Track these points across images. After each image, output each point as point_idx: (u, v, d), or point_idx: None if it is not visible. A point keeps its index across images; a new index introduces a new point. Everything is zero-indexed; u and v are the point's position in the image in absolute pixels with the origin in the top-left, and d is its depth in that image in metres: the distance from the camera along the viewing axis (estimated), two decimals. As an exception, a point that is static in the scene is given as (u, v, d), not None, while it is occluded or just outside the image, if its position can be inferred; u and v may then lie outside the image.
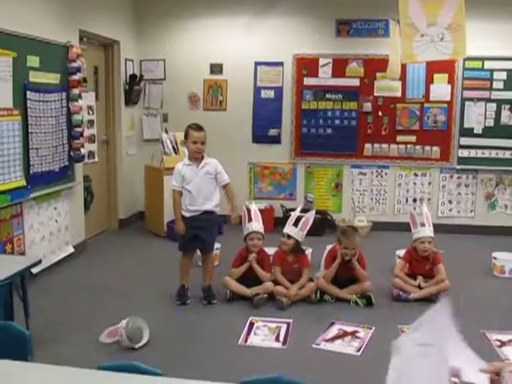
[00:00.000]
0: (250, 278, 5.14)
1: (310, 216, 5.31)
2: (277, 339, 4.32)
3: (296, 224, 5.26)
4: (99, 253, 6.68)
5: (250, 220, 5.27)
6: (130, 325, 4.14)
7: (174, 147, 7.51)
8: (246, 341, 4.27)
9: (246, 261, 5.19)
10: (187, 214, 4.96)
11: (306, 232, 5.28)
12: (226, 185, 5.07)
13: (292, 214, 5.42)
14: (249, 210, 5.33)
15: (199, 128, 5.02)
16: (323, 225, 7.72)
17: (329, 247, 5.51)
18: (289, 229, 5.26)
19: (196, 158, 4.97)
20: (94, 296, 5.17)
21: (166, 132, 7.71)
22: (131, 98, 7.92)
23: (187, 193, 4.94)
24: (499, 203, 7.92)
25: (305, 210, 5.64)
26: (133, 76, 7.86)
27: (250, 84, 8.07)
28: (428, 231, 5.32)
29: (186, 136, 5.00)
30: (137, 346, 4.07)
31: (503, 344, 4.24)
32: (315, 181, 8.17)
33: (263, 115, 8.09)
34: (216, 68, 8.12)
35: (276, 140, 8.14)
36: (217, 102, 8.22)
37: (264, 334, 4.42)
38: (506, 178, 7.86)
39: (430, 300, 5.07)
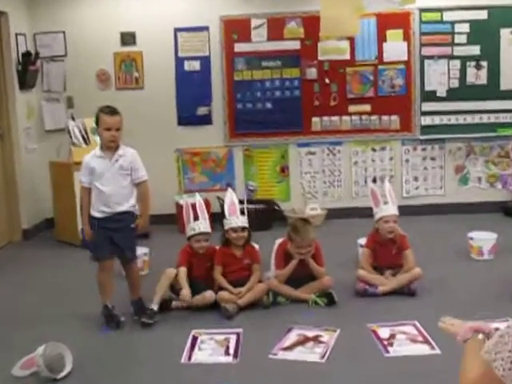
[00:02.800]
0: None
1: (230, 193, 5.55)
2: (226, 352, 4.37)
3: (242, 212, 5.38)
4: (0, 272, 6.58)
5: (195, 218, 5.31)
6: (48, 351, 4.12)
7: (83, 136, 7.45)
8: (189, 358, 4.31)
9: (197, 262, 5.30)
10: (98, 215, 4.90)
11: None
12: (140, 183, 4.97)
13: (226, 204, 5.48)
14: (193, 205, 5.37)
15: (112, 111, 4.95)
16: (270, 217, 7.82)
17: (278, 242, 5.61)
18: (239, 220, 5.33)
19: (110, 147, 4.90)
20: (-1, 324, 5.11)
21: (73, 119, 7.64)
22: (26, 81, 7.80)
23: (98, 191, 4.89)
24: (471, 176, 8.19)
25: (244, 202, 5.71)
26: (26, 54, 7.74)
27: (170, 55, 8.08)
28: (392, 209, 5.48)
29: (98, 122, 4.94)
30: (59, 377, 4.04)
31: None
32: (256, 166, 8.26)
33: (189, 92, 8.12)
34: (128, 38, 8.09)
35: (206, 120, 8.19)
36: (132, 80, 8.19)
37: (211, 348, 4.46)
38: (476, 146, 8.13)
39: (401, 292, 5.24)
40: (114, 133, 4.88)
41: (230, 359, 4.28)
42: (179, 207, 7.47)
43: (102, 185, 4.86)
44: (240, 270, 5.34)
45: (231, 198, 5.44)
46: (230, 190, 5.65)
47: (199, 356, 4.34)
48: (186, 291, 5.08)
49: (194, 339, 4.60)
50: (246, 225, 5.34)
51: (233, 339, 4.58)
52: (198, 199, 5.49)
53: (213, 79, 8.12)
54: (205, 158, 8.24)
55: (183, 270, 5.22)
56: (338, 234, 7.25)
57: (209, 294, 5.16)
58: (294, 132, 8.12)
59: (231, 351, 4.39)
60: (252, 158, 8.24)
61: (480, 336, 2.02)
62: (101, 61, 8.15)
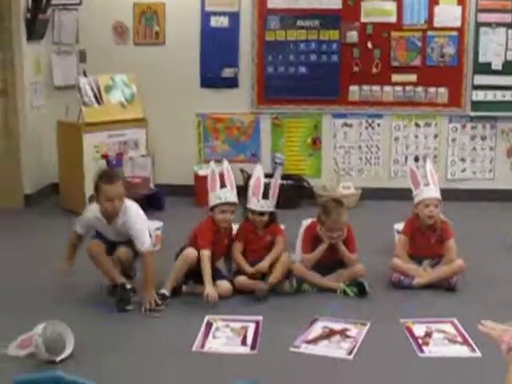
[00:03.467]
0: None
1: (277, 176, 5.46)
2: (243, 342, 4.38)
3: (266, 195, 5.32)
4: (-1, 239, 6.64)
5: (222, 185, 5.26)
6: (49, 331, 4.15)
7: (95, 95, 7.48)
8: (202, 346, 4.32)
9: (219, 237, 5.25)
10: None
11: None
12: (144, 253, 5.03)
13: (251, 181, 5.44)
14: (220, 174, 5.32)
15: (111, 178, 5.03)
16: (298, 194, 7.83)
17: (306, 223, 5.61)
18: (259, 204, 5.30)
19: (110, 217, 5.06)
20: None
21: (85, 75, 7.66)
22: (35, 31, 7.81)
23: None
24: (526, 160, 8.13)
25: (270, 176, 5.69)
26: (37, 0, 7.74)
27: (195, 8, 8.06)
28: (433, 191, 5.44)
29: (97, 190, 5.04)
30: (58, 359, 4.08)
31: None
32: (285, 136, 8.25)
33: (214, 50, 8.10)
34: (150, -13, 8.09)
35: (232, 83, 8.17)
36: (152, 34, 8.18)
37: (226, 336, 4.48)
38: (533, 126, 8.06)
39: (439, 286, 5.22)
40: (115, 203, 4.97)
41: (247, 350, 4.29)
42: (198, 179, 7.49)
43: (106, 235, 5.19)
44: (261, 249, 5.34)
45: (258, 177, 5.40)
46: (259, 166, 5.57)
47: (213, 344, 4.35)
48: (211, 291, 4.94)
49: (208, 326, 4.61)
50: (267, 209, 5.31)
51: (251, 328, 4.59)
52: (226, 166, 5.39)
53: (242, 38, 8.10)
54: (228, 125, 8.22)
55: (207, 255, 5.09)
56: (373, 217, 7.24)
57: (225, 287, 5.15)
58: (330, 101, 8.08)
59: (249, 341, 4.39)
60: (281, 128, 8.22)
61: None
62: (118, 12, 8.15)
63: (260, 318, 4.73)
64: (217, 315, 4.77)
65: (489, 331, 2.15)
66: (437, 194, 5.43)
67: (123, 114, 7.71)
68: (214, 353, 4.24)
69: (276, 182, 5.39)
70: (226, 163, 5.43)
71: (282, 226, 5.61)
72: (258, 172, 5.42)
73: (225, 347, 4.32)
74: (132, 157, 7.66)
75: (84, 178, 7.24)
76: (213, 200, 5.23)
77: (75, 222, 5.30)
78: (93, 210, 5.15)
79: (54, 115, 7.96)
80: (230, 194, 5.21)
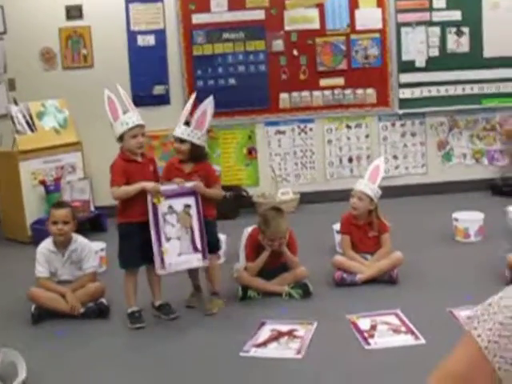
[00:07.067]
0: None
1: (208, 103, 5.14)
2: (194, 352, 4.46)
3: (187, 122, 5.08)
4: None
5: (125, 111, 4.93)
6: (2, 359, 4.15)
7: (28, 122, 7.44)
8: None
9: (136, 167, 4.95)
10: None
11: (205, 129, 5.14)
12: (89, 274, 5.27)
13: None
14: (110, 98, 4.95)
15: (60, 205, 5.41)
16: (237, 204, 7.90)
17: (248, 231, 5.65)
18: (179, 130, 5.04)
19: (61, 241, 5.21)
20: None
21: (16, 103, 7.61)
22: (-39, 62, 7.77)
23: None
24: (455, 152, 8.33)
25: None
26: (-40, 32, 7.71)
27: (121, 29, 8.11)
28: (362, 185, 5.57)
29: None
30: (11, 386, 4.08)
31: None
32: (221, 148, 8.32)
33: (143, 69, 8.14)
34: (74, 12, 8.08)
35: (164, 100, 8.24)
36: (79, 58, 8.19)
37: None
38: (460, 119, 8.27)
39: (381, 280, 5.35)
40: (60, 226, 5.13)
41: (198, 359, 4.36)
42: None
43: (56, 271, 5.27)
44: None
45: (187, 106, 5.20)
46: (193, 95, 5.37)
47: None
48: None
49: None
50: (187, 137, 5.01)
51: (201, 337, 4.67)
52: (122, 92, 5.05)
53: (169, 55, 8.15)
54: (163, 142, 8.24)
55: (116, 190, 4.88)
56: (312, 220, 7.35)
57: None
58: (261, 110, 8.20)
59: (199, 350, 4.47)
60: (216, 140, 8.27)
61: None
62: (45, 38, 8.13)
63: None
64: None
65: None
66: (365, 189, 5.51)
67: (58, 139, 7.67)
68: (167, 365, 4.31)
69: (205, 110, 5.09)
70: (119, 88, 5.05)
71: (224, 236, 5.66)
72: (190, 102, 5.24)
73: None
74: (70, 181, 7.63)
75: (23, 206, 7.22)
76: (119, 128, 4.86)
77: (36, 270, 5.23)
78: (44, 244, 5.26)
79: (-13, 146, 7.90)
80: (135, 117, 4.89)
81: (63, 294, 5.05)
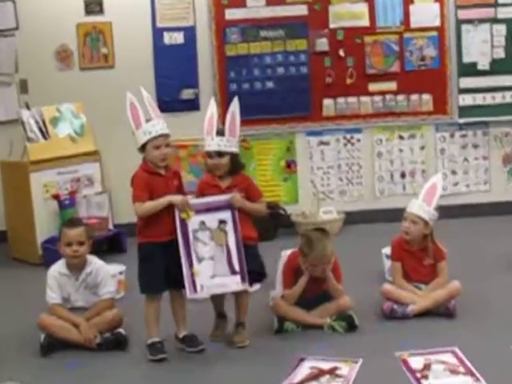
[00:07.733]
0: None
1: (235, 107, 5.08)
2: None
3: (221, 131, 5.02)
4: None
5: (149, 119, 4.95)
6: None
7: (41, 129, 7.48)
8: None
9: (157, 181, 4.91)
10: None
11: (238, 135, 5.08)
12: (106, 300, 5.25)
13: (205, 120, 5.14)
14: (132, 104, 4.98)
15: (73, 223, 5.33)
16: (275, 224, 7.86)
17: (286, 254, 5.62)
18: (214, 143, 4.96)
19: (75, 264, 5.20)
20: None
21: (28, 108, 7.66)
22: (-31, 61, 7.86)
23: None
24: (523, 168, 8.25)
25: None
26: (-32, 28, 7.80)
27: (146, 26, 8.15)
28: (416, 206, 5.46)
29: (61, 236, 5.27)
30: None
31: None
32: (256, 161, 8.32)
33: (170, 70, 8.19)
34: (93, 6, 8.15)
35: (193, 106, 8.24)
36: (99, 57, 8.25)
37: None
38: (529, 130, 8.18)
39: (436, 313, 5.27)
40: (75, 247, 5.12)
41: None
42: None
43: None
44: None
45: (211, 114, 5.13)
46: (212, 101, 5.31)
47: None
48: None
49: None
50: (225, 149, 4.93)
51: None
52: (146, 96, 5.08)
53: (200, 55, 8.19)
54: (192, 153, 8.25)
55: (140, 207, 4.86)
56: (359, 243, 7.31)
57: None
58: (302, 117, 8.19)
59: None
60: (250, 151, 8.27)
61: None
62: (61, 35, 8.19)
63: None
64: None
65: None
66: (417, 210, 5.42)
67: (73, 148, 7.69)
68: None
69: (234, 114, 5.05)
70: (143, 92, 5.08)
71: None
72: (211, 108, 5.20)
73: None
74: (86, 195, 7.66)
75: (34, 223, 7.25)
76: (142, 137, 4.86)
77: (47, 295, 5.25)
78: (56, 267, 5.26)
79: (-3, 154, 7.98)
80: (160, 126, 4.87)
81: (77, 325, 5.06)
